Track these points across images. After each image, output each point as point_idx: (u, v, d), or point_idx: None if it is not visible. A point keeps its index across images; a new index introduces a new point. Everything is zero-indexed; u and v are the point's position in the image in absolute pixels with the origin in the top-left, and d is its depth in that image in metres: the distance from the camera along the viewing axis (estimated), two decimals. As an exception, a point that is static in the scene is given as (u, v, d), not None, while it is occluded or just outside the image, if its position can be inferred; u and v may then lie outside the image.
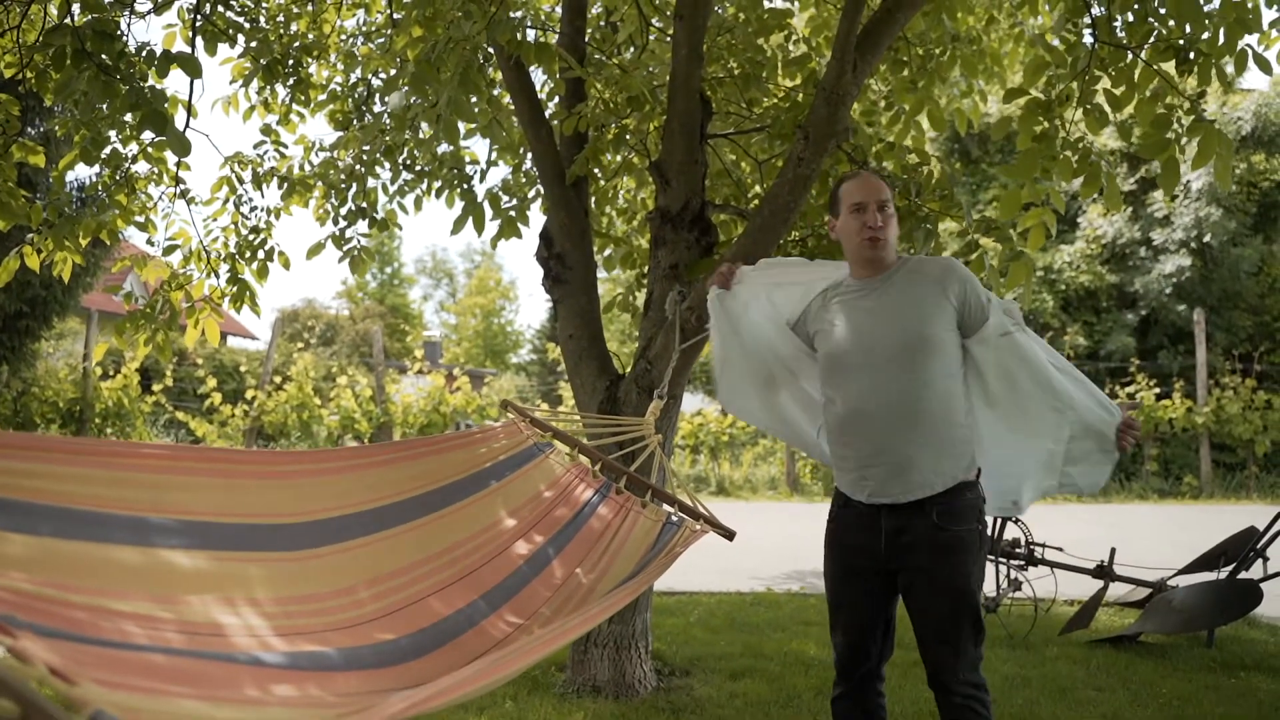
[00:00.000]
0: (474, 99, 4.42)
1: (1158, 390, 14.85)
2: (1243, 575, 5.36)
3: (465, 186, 5.42)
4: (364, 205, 5.75)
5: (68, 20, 3.91)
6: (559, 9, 5.52)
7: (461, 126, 5.44)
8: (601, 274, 5.28)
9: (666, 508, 2.82)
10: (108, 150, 5.11)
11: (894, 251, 2.86)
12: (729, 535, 2.83)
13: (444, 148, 5.68)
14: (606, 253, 5.55)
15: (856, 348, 2.78)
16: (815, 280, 3.01)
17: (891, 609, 2.86)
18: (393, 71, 4.60)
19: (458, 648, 2.10)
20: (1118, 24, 4.42)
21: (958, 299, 2.76)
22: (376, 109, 5.69)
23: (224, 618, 1.68)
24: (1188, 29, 4.19)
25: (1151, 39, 4.29)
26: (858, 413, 2.76)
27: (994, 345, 2.80)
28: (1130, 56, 4.34)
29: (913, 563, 2.70)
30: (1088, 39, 4.56)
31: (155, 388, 14.37)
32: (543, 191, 4.89)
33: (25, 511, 1.49)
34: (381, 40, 5.73)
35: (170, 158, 5.34)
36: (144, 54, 4.01)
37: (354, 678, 1.80)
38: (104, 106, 4.12)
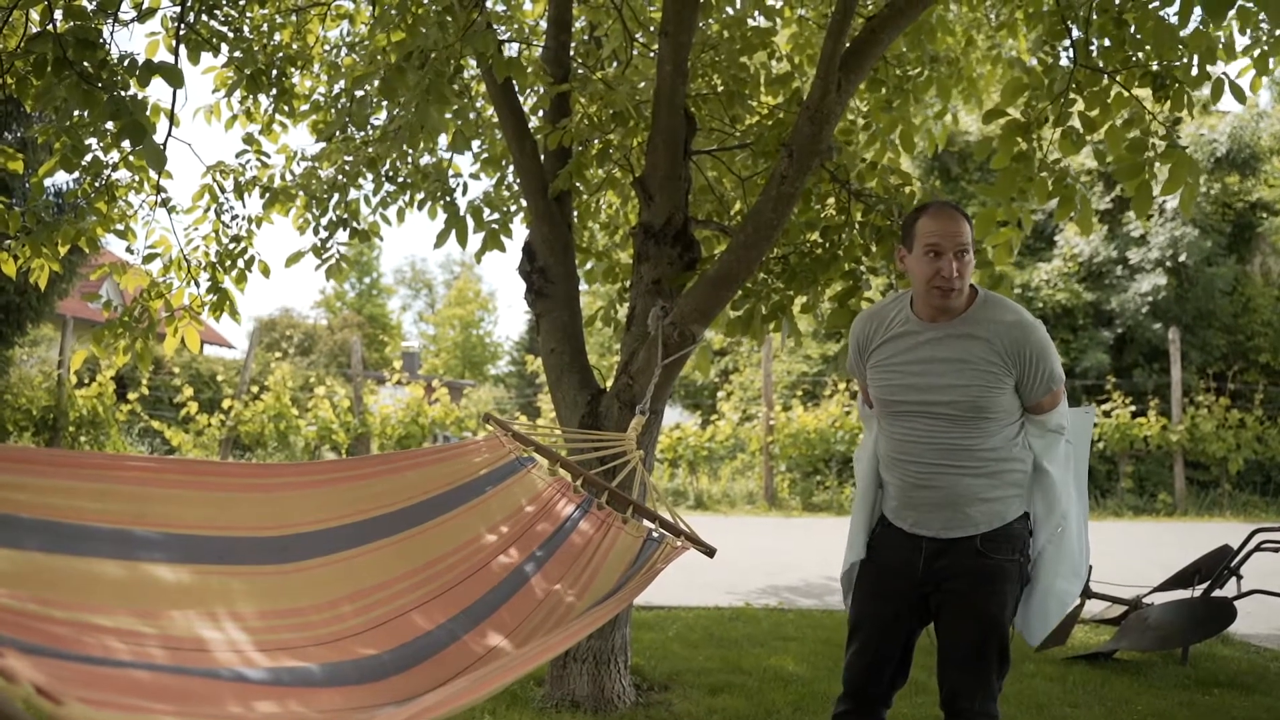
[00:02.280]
0: (450, 110, 4.42)
1: (1133, 408, 14.97)
2: (1217, 593, 5.41)
3: (448, 199, 5.42)
4: (345, 216, 5.73)
5: (50, 27, 3.88)
6: (544, 23, 5.54)
7: (443, 139, 5.47)
8: (582, 287, 5.29)
9: (647, 524, 2.82)
10: (88, 158, 5.08)
11: (964, 294, 2.73)
12: (709, 552, 2.83)
13: (426, 160, 5.68)
14: (587, 266, 5.55)
15: (910, 397, 2.73)
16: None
17: (915, 635, 2.82)
18: (376, 83, 4.60)
19: (439, 663, 2.10)
20: (1094, 48, 4.49)
21: (1018, 368, 2.68)
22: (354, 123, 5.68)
23: (207, 632, 1.67)
24: (1161, 57, 4.26)
25: (1128, 65, 4.36)
26: (910, 447, 2.73)
27: (1043, 434, 2.77)
28: (1106, 80, 4.40)
29: (949, 586, 2.70)
30: (1065, 62, 4.62)
31: (131, 396, 14.24)
32: (526, 205, 4.89)
33: (9, 525, 1.48)
34: (365, 51, 5.72)
35: (152, 165, 5.31)
36: (125, 63, 3.99)
37: (336, 694, 1.79)
38: (85, 114, 4.09)
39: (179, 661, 1.55)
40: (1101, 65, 4.41)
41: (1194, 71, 4.29)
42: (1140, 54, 4.34)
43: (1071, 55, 4.51)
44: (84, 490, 1.64)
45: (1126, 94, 4.39)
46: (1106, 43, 4.42)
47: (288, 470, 2.29)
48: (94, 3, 4.42)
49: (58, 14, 4.17)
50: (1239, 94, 4.37)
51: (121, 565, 1.63)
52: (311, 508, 2.15)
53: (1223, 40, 4.37)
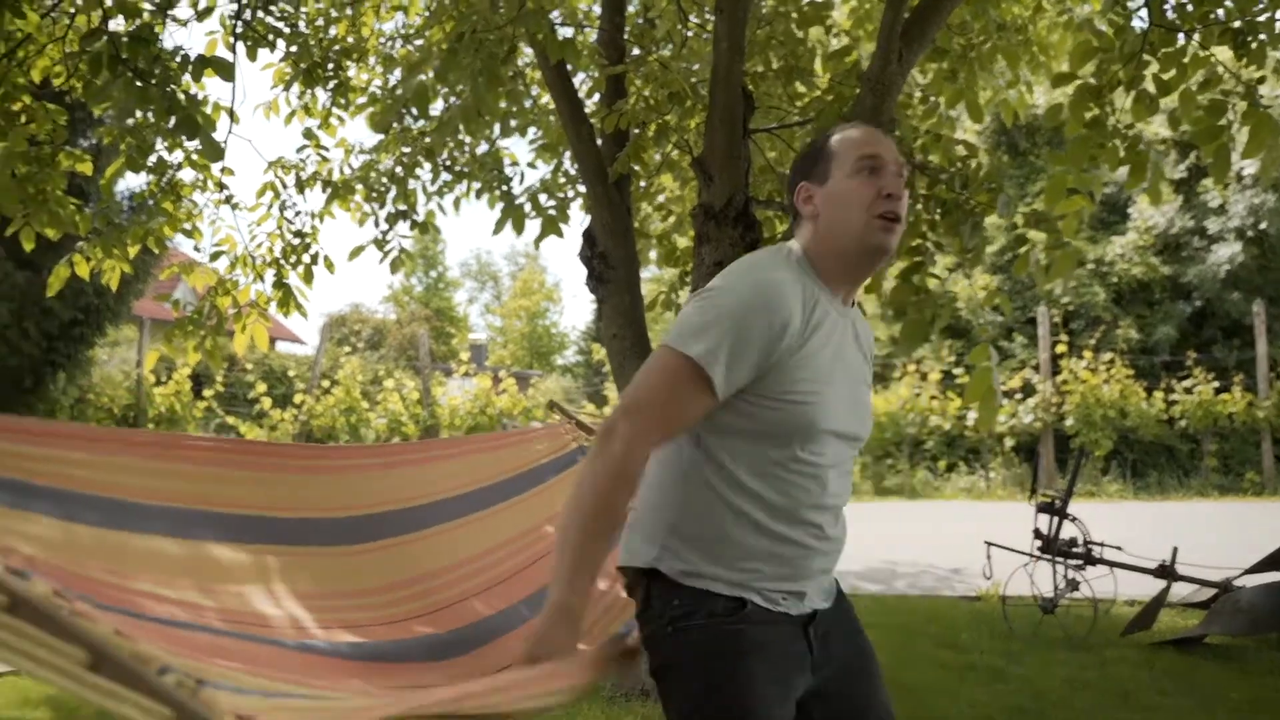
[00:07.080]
0: (504, 95, 4.40)
1: (1216, 384, 14.49)
2: (1313, 574, 5.19)
3: (505, 189, 5.39)
4: (404, 208, 5.75)
5: (105, 25, 3.92)
6: (597, 7, 5.48)
7: (496, 128, 5.44)
8: (644, 272, 5.23)
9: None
10: (153, 158, 5.15)
11: None
12: None
13: (483, 148, 5.66)
14: (649, 252, 5.49)
15: (844, 412, 1.71)
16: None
17: None
18: (431, 74, 4.59)
19: (499, 647, 2.07)
20: (1170, 6, 4.29)
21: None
22: (414, 110, 5.68)
23: (268, 609, 1.70)
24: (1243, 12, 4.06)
25: (1207, 22, 4.16)
26: (831, 500, 1.73)
27: None
28: (1182, 40, 4.20)
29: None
30: (1137, 23, 4.43)
31: (206, 393, 14.56)
32: (584, 190, 4.84)
33: (66, 500, 1.49)
34: (420, 42, 5.73)
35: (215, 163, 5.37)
36: (178, 59, 4.02)
37: (399, 669, 1.79)
38: (146, 114, 4.13)
39: (243, 631, 1.58)
40: (1178, 23, 4.21)
41: (1278, 28, 4.08)
42: (1220, 10, 4.13)
43: (1146, 15, 4.32)
44: (149, 469, 1.66)
45: (1204, 53, 4.19)
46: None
47: (349, 453, 2.30)
48: (154, 3, 4.47)
49: (119, 19, 4.22)
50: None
51: (184, 544, 1.65)
52: (372, 490, 2.16)
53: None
